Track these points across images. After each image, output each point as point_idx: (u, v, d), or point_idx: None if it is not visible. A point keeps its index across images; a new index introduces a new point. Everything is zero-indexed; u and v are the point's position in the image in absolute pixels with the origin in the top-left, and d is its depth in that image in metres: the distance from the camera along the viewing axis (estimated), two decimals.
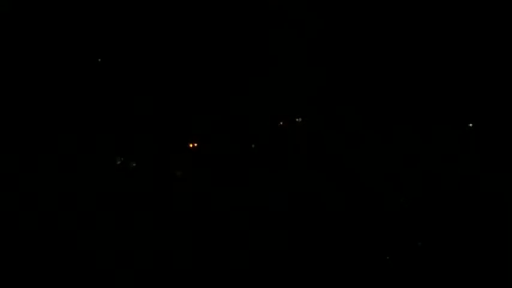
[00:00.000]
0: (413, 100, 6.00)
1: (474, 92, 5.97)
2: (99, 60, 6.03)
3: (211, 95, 6.03)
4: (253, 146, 5.96)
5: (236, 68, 6.05)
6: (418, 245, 5.73)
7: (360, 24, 6.08)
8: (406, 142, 5.93)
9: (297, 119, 6.00)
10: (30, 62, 5.99)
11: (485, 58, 5.98)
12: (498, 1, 5.96)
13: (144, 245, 5.70)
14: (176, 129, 5.99)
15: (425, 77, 6.02)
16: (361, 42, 6.07)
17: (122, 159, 5.90)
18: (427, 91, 6.00)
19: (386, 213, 5.79)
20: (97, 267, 5.65)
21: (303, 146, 5.97)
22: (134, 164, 5.91)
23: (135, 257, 5.68)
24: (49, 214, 5.73)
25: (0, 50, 5.97)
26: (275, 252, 5.71)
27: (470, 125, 5.94)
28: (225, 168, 5.92)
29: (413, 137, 5.93)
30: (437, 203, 5.80)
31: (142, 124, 5.96)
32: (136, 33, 6.04)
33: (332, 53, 6.07)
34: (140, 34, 6.04)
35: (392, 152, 5.92)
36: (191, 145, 5.96)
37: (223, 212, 5.80)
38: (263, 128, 5.99)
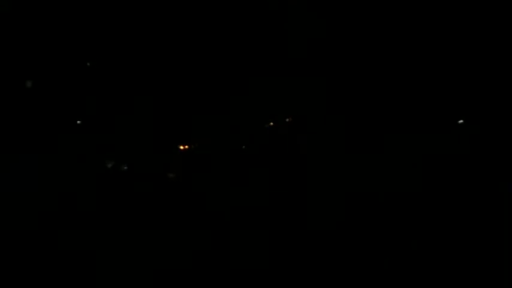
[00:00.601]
0: (414, 100, 6.00)
1: (472, 93, 5.98)
2: (98, 61, 6.04)
3: (207, 96, 6.03)
4: (244, 146, 5.97)
5: (233, 68, 6.06)
6: (413, 245, 5.74)
7: (361, 25, 6.07)
8: (404, 142, 5.93)
9: (289, 119, 6.01)
10: (30, 62, 6.00)
11: (482, 63, 5.99)
12: (497, 1, 5.97)
13: (142, 245, 5.72)
14: (169, 130, 6.00)
15: (426, 78, 6.02)
16: (361, 43, 6.07)
17: (114, 161, 5.92)
18: (428, 92, 6.00)
19: (383, 213, 5.80)
20: (93, 268, 5.67)
21: (302, 147, 5.98)
22: (125, 167, 5.93)
23: (133, 258, 5.69)
24: (46, 215, 5.75)
25: (0, 50, 5.99)
26: (274, 253, 5.72)
27: (462, 124, 5.95)
28: (220, 168, 5.93)
29: (412, 136, 5.94)
30: (434, 203, 5.80)
31: (136, 125, 5.97)
32: (135, 34, 6.06)
33: (332, 54, 6.07)
34: (138, 35, 6.06)
35: (389, 152, 5.92)
36: (182, 147, 5.97)
37: (220, 212, 5.82)
38: (260, 129, 5.99)
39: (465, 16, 6.02)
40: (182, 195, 5.89)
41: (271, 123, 6.02)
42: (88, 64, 6.02)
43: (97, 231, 5.76)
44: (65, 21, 6.04)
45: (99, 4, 6.05)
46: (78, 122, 5.94)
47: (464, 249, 5.69)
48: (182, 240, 5.76)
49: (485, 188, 5.80)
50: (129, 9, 6.06)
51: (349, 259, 5.72)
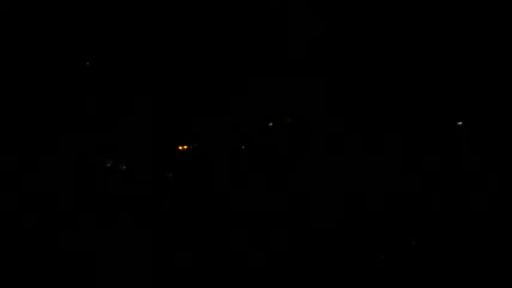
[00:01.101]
0: (414, 100, 6.00)
1: (472, 94, 5.99)
2: (98, 61, 6.04)
3: (207, 96, 6.03)
4: (244, 146, 5.97)
5: (233, 68, 6.06)
6: (413, 245, 5.74)
7: (361, 26, 6.07)
8: (404, 142, 5.94)
9: (289, 119, 6.01)
10: (30, 62, 6.00)
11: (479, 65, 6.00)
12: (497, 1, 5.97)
13: (140, 246, 5.73)
14: (169, 130, 6.00)
15: (426, 78, 6.02)
16: (362, 43, 6.06)
17: (113, 160, 5.92)
18: (428, 92, 6.00)
19: (383, 213, 5.80)
20: (93, 268, 5.67)
21: (302, 147, 5.99)
22: (124, 166, 5.93)
23: (133, 258, 5.70)
24: (46, 215, 5.75)
25: (0, 50, 5.98)
26: (274, 253, 5.72)
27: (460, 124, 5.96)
28: (220, 168, 5.93)
29: (412, 136, 5.94)
30: (433, 203, 5.81)
31: (136, 125, 5.97)
32: (135, 34, 6.06)
33: (332, 54, 6.07)
34: (138, 35, 6.06)
35: (389, 152, 5.92)
36: (181, 147, 5.98)
37: (219, 212, 5.83)
38: (260, 129, 6.00)
39: (465, 16, 6.02)
40: (182, 195, 5.89)
41: (271, 123, 6.02)
42: (87, 63, 6.02)
43: (97, 231, 5.76)
44: (65, 21, 6.04)
45: (99, 4, 6.05)
46: (78, 122, 5.95)
47: (464, 249, 5.69)
48: (182, 240, 5.76)
49: (485, 187, 5.80)
50: (129, 9, 6.06)
51: (349, 259, 5.72)
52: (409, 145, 5.92)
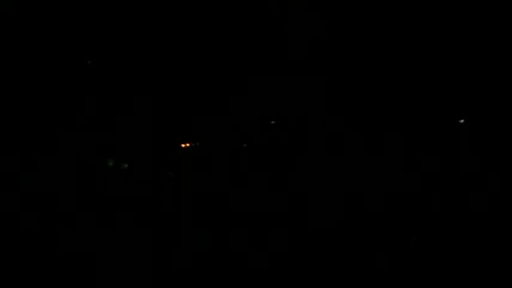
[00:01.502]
0: (414, 100, 6.00)
1: (472, 93, 5.99)
2: (98, 60, 6.04)
3: (207, 96, 6.04)
4: (244, 146, 5.97)
5: (233, 68, 6.06)
6: (413, 245, 5.75)
7: (361, 25, 6.07)
8: (404, 142, 5.94)
9: (289, 119, 6.01)
10: (30, 62, 6.00)
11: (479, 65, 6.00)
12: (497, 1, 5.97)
13: (140, 246, 5.73)
14: (169, 130, 6.01)
15: (426, 78, 6.02)
16: (362, 43, 6.07)
17: (114, 160, 5.92)
18: (428, 91, 6.00)
19: (383, 213, 5.80)
20: (93, 268, 5.68)
21: (302, 147, 5.99)
22: (125, 166, 5.94)
23: (133, 258, 5.70)
24: (46, 215, 5.75)
25: (0, 50, 5.99)
26: (274, 253, 5.72)
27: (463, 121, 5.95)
28: (220, 168, 5.93)
29: (412, 136, 5.94)
30: (433, 203, 5.81)
31: (136, 125, 5.97)
32: (135, 34, 6.06)
33: (332, 54, 6.07)
34: (138, 35, 6.06)
35: (389, 152, 5.93)
36: (183, 145, 5.98)
37: (220, 212, 5.83)
38: (260, 129, 6.00)
39: (465, 16, 6.02)
40: (182, 195, 5.89)
41: (271, 123, 6.03)
42: (89, 62, 6.03)
43: (97, 231, 5.76)
44: (65, 21, 6.04)
45: (99, 4, 6.05)
46: (78, 122, 5.95)
47: (464, 249, 5.69)
48: (182, 240, 5.77)
49: (485, 187, 5.80)
50: (129, 9, 6.06)
51: (349, 259, 5.72)
52: (409, 145, 5.92)
